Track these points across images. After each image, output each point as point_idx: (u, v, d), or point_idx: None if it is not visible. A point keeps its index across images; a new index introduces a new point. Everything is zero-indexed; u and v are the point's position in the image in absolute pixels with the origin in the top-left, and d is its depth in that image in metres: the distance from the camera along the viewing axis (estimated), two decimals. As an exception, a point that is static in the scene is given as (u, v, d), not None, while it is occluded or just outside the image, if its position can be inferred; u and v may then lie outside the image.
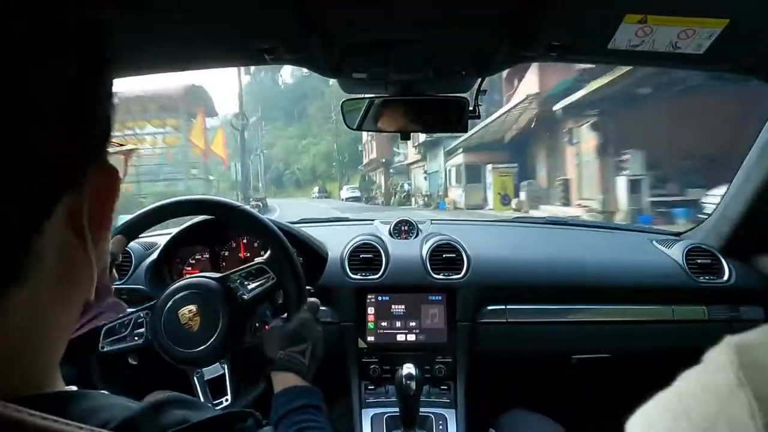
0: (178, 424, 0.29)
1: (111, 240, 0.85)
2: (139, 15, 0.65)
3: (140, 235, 0.94)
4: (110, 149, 0.34)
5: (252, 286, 0.86)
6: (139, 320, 0.84)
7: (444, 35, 0.78)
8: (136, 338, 0.84)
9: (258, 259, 0.89)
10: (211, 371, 0.82)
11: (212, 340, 0.80)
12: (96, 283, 0.33)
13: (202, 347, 0.80)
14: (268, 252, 0.89)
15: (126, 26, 0.69)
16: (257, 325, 0.85)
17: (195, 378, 0.82)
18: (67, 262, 0.28)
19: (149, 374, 0.86)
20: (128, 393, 0.32)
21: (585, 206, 9.77)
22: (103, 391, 0.30)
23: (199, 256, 1.18)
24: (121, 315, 0.85)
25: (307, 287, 0.88)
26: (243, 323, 0.84)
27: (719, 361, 0.23)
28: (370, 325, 1.14)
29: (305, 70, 0.93)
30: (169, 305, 0.82)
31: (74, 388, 0.31)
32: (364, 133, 13.47)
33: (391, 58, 0.85)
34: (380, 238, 1.27)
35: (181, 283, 0.85)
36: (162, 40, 0.76)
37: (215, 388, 0.82)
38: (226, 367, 0.82)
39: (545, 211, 10.84)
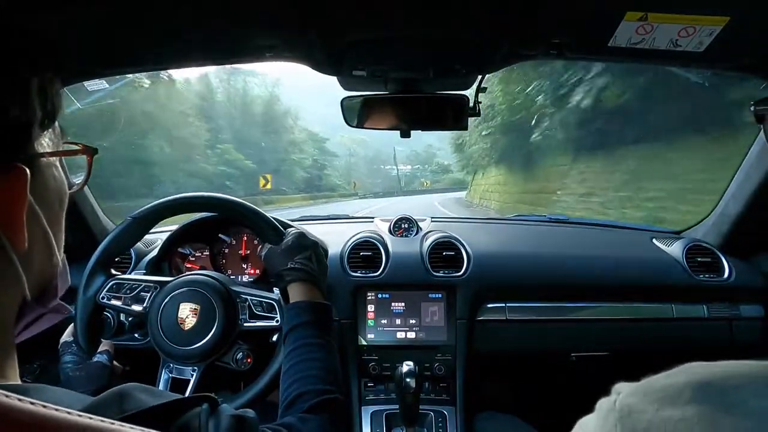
0: (138, 408, 0.31)
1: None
2: (140, 12, 0.65)
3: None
4: (74, 149, 0.36)
5: (255, 320, 0.86)
6: (144, 290, 0.85)
7: (444, 33, 0.78)
8: (133, 305, 0.85)
9: (273, 296, 0.87)
10: (180, 372, 0.83)
11: (198, 344, 0.81)
12: (44, 285, 0.35)
13: (186, 347, 0.81)
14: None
15: (128, 24, 0.69)
16: (240, 356, 0.84)
17: (163, 370, 0.83)
18: None
19: (125, 352, 0.88)
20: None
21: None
22: (56, 387, 0.31)
23: (200, 253, 1.18)
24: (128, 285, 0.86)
25: None
26: (231, 345, 0.84)
27: (608, 421, 0.26)
28: (370, 322, 1.15)
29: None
30: (175, 293, 0.83)
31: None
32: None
33: (391, 56, 0.85)
34: (380, 235, 1.27)
35: (191, 277, 0.86)
36: (163, 37, 0.76)
37: (176, 389, 0.82)
38: (195, 374, 0.82)
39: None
